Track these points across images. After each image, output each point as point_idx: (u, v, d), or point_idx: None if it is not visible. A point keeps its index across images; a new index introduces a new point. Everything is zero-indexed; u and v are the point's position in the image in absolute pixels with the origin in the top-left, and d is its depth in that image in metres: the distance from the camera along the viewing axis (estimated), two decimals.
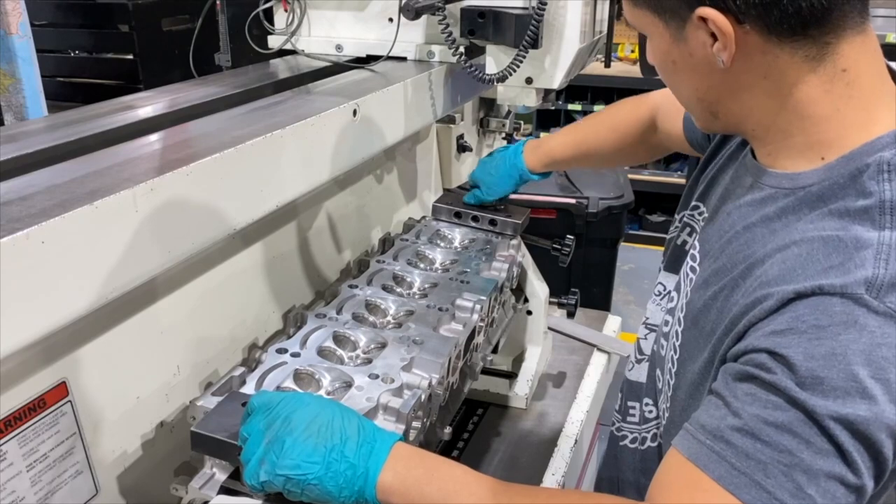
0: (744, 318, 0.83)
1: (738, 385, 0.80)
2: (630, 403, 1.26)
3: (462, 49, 1.52)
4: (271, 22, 1.80)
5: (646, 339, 1.25)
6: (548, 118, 5.93)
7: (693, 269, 1.05)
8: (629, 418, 1.27)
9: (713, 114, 0.95)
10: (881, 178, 0.82)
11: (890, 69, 0.90)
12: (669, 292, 1.17)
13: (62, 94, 3.54)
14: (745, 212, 0.94)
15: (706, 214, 1.08)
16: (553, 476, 1.66)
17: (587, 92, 5.67)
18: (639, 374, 1.26)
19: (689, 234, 1.13)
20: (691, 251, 1.08)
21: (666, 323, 1.11)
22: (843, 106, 0.85)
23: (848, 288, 0.76)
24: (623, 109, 1.58)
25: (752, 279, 0.86)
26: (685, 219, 1.15)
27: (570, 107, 5.78)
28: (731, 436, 0.78)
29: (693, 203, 1.14)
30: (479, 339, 1.44)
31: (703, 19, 0.83)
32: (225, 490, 0.98)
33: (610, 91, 5.65)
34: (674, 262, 1.17)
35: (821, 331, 0.76)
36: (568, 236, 1.85)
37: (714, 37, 0.85)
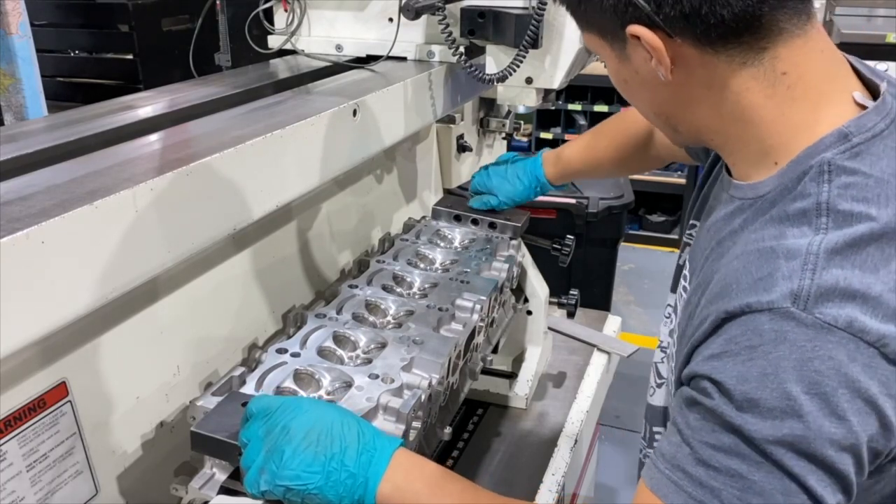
0: (691, 339, 0.83)
1: (688, 412, 0.80)
2: (655, 429, 1.25)
3: (462, 49, 1.52)
4: (271, 22, 1.80)
5: (662, 362, 1.23)
6: (548, 118, 5.93)
7: (685, 289, 1.05)
8: (655, 444, 1.24)
9: (673, 127, 0.97)
10: (821, 180, 0.80)
11: (854, 67, 0.90)
12: (671, 314, 1.18)
13: (62, 94, 3.54)
14: (719, 227, 0.93)
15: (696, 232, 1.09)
16: (553, 476, 1.66)
17: (587, 92, 5.67)
18: (659, 398, 1.24)
19: (687, 253, 1.12)
20: (684, 270, 1.08)
21: (669, 345, 1.11)
22: (787, 109, 0.84)
23: (774, 303, 0.75)
24: (627, 119, 1.58)
25: (704, 297, 0.85)
26: (686, 238, 1.15)
27: (570, 107, 5.78)
28: (687, 464, 0.78)
29: (690, 221, 1.13)
30: (479, 339, 1.44)
31: (636, 37, 0.84)
32: (225, 490, 0.98)
33: (610, 91, 5.65)
34: (675, 282, 1.18)
35: (752, 351, 0.75)
36: (568, 236, 1.85)
37: (648, 51, 0.85)
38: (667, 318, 1.22)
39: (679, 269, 1.16)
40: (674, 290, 1.18)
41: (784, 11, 0.82)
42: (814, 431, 0.73)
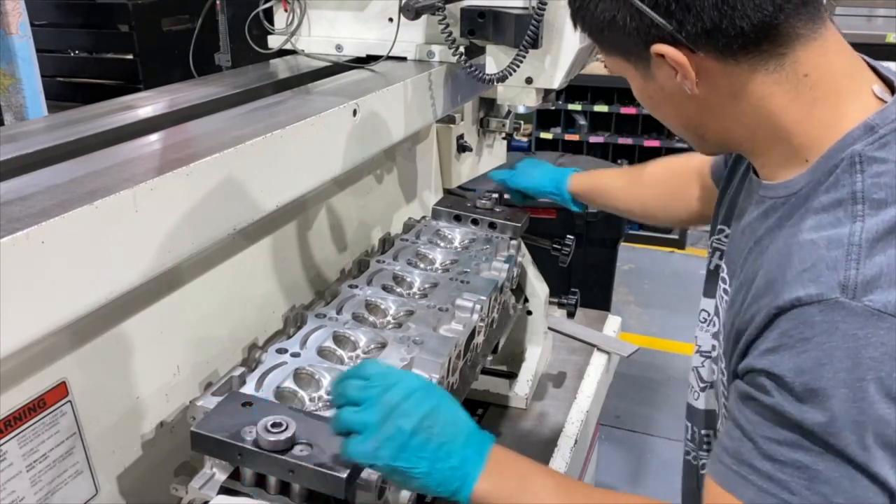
0: (744, 335, 0.86)
1: (745, 408, 0.83)
2: (704, 432, 1.25)
3: (462, 49, 1.52)
4: (271, 22, 1.80)
5: (703, 366, 1.24)
6: (548, 118, 5.93)
7: (725, 291, 1.06)
8: (705, 446, 1.25)
9: (701, 137, 1.00)
10: (854, 171, 0.84)
11: (870, 65, 0.93)
12: (711, 317, 1.19)
13: (62, 94, 3.54)
14: (754, 227, 0.96)
15: (729, 235, 1.12)
16: None
17: (587, 92, 5.67)
18: (703, 401, 1.24)
19: (720, 258, 1.15)
20: (722, 274, 1.10)
21: (713, 348, 1.14)
22: (812, 108, 0.88)
23: (823, 295, 0.78)
24: (674, 165, 1.59)
25: (749, 295, 0.88)
26: (714, 244, 1.18)
27: (570, 107, 5.79)
28: (752, 459, 0.80)
29: (718, 227, 1.17)
30: (479, 339, 1.44)
31: (661, 55, 0.88)
32: (225, 490, 0.98)
33: (610, 91, 5.66)
34: (710, 287, 1.19)
35: (806, 343, 0.77)
36: (568, 236, 1.85)
37: (674, 68, 0.89)
38: (703, 322, 1.23)
39: (712, 273, 1.18)
40: (709, 294, 1.19)
41: (799, 18, 0.86)
42: (871, 417, 0.75)
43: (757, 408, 0.81)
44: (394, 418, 0.90)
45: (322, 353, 1.20)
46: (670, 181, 1.57)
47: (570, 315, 1.97)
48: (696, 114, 0.95)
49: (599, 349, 2.16)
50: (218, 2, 3.11)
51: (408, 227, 1.71)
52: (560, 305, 1.97)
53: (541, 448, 1.75)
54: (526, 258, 1.86)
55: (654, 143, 5.77)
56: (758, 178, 0.98)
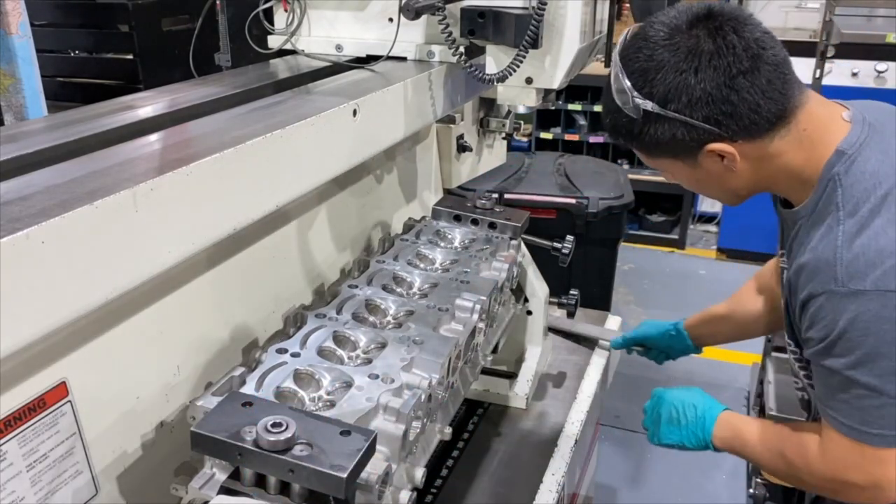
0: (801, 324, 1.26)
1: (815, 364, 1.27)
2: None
3: (462, 49, 1.52)
4: (271, 22, 1.80)
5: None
6: (548, 118, 5.93)
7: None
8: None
9: (736, 196, 1.35)
10: (835, 188, 1.19)
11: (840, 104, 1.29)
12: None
13: (62, 94, 3.53)
14: (793, 247, 1.30)
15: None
16: (553, 476, 1.66)
17: (587, 92, 5.66)
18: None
19: (785, 275, 1.41)
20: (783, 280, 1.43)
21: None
22: (810, 152, 1.22)
23: (825, 287, 1.17)
24: (761, 275, 1.83)
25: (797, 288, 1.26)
26: (781, 264, 1.45)
27: (570, 107, 5.78)
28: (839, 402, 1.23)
29: (780, 251, 1.47)
30: (479, 339, 1.44)
31: (711, 150, 1.22)
32: (225, 490, 0.98)
33: None
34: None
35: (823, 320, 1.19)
36: (568, 236, 1.85)
37: (721, 156, 1.23)
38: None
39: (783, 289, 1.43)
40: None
41: (795, 95, 1.21)
42: (874, 357, 1.15)
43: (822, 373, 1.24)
44: (657, 419, 1.59)
45: (322, 353, 1.20)
46: (765, 294, 1.79)
47: (570, 315, 1.97)
48: (735, 182, 1.28)
49: (600, 346, 2.16)
50: (218, 2, 3.11)
51: (408, 227, 1.71)
52: (560, 305, 1.97)
53: (541, 448, 1.75)
54: (526, 258, 1.86)
55: None
56: (787, 210, 1.31)
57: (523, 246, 1.82)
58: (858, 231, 1.14)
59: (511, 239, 1.69)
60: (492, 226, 1.71)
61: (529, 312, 1.92)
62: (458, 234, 1.70)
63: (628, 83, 1.21)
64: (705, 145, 1.21)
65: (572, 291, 1.97)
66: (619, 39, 1.27)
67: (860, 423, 1.20)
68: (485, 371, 1.58)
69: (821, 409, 1.27)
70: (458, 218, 1.73)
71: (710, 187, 1.33)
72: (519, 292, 1.88)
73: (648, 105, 1.20)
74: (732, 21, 1.17)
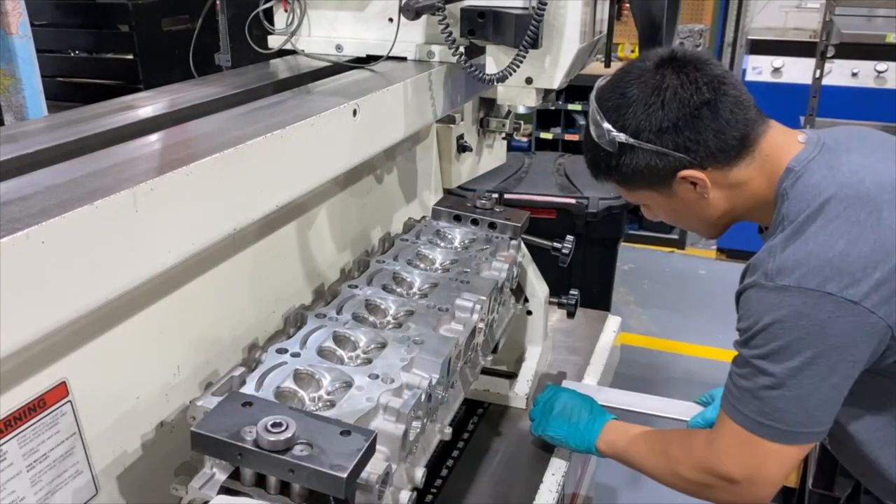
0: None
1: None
2: None
3: (462, 49, 1.52)
4: (271, 22, 1.80)
5: None
6: (548, 118, 5.93)
7: None
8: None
9: (713, 226, 1.44)
10: (783, 201, 1.29)
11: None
12: None
13: (62, 94, 3.54)
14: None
15: None
16: (553, 476, 1.66)
17: (587, 92, 5.62)
18: None
19: None
20: None
21: None
22: (772, 176, 1.32)
23: (755, 282, 1.25)
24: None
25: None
26: None
27: (570, 107, 5.78)
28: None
29: None
30: (479, 339, 1.44)
31: (683, 177, 1.32)
32: (225, 490, 0.98)
33: None
34: None
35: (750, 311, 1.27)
36: (568, 236, 1.85)
37: (693, 183, 1.32)
38: None
39: None
40: None
41: (758, 123, 1.32)
42: (786, 351, 1.22)
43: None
44: (544, 411, 1.68)
45: (322, 353, 1.20)
46: None
47: (570, 315, 1.97)
48: (710, 211, 1.38)
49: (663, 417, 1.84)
50: (218, 2, 3.11)
51: (408, 227, 1.71)
52: (560, 305, 1.97)
53: (541, 448, 1.75)
54: (526, 258, 1.86)
55: None
56: (762, 235, 1.38)
57: (523, 246, 1.82)
58: (793, 235, 1.23)
59: (511, 239, 1.69)
60: (492, 226, 1.71)
61: (529, 312, 1.92)
62: (458, 234, 1.70)
63: (603, 121, 1.33)
64: (678, 172, 1.31)
65: (572, 291, 1.97)
66: (596, 83, 1.41)
67: (756, 412, 1.26)
68: (485, 371, 1.58)
69: (724, 397, 1.32)
70: (458, 218, 1.73)
71: (687, 217, 1.43)
72: (519, 292, 1.88)
73: (622, 137, 1.31)
74: (694, 61, 1.31)
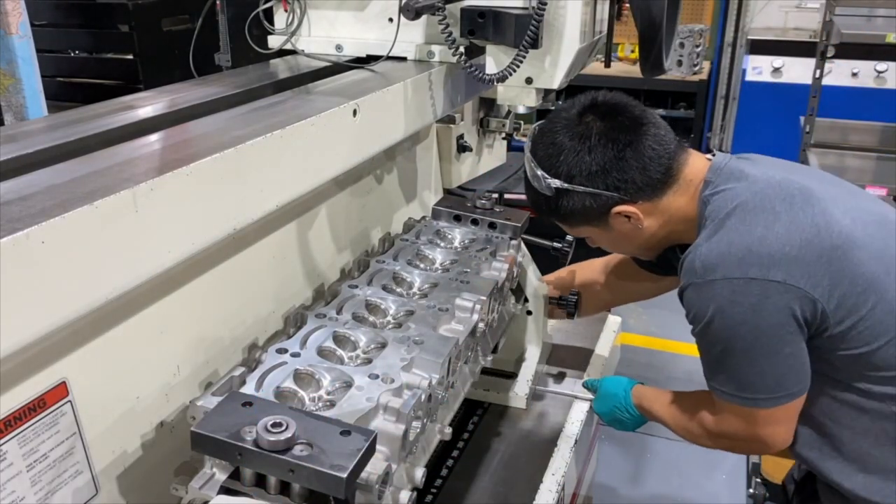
0: None
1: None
2: None
3: (462, 49, 1.52)
4: (271, 22, 1.80)
5: None
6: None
7: None
8: None
9: (649, 250, 1.59)
10: (704, 208, 1.43)
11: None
12: None
13: (62, 94, 3.54)
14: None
15: None
16: (553, 476, 1.66)
17: (587, 92, 5.65)
18: None
19: None
20: None
21: None
22: (694, 194, 1.46)
23: (689, 280, 1.38)
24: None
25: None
26: None
27: None
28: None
29: None
30: (479, 339, 1.44)
31: (618, 213, 1.45)
32: (225, 490, 0.98)
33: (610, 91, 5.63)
34: None
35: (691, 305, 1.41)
36: (567, 236, 1.85)
37: (627, 217, 1.46)
38: None
39: None
40: None
41: (680, 154, 1.46)
42: (734, 336, 1.35)
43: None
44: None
45: (322, 353, 1.20)
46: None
47: (570, 315, 1.97)
48: (645, 237, 1.51)
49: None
50: (218, 2, 3.11)
51: (408, 227, 1.71)
52: (560, 305, 1.97)
53: (541, 448, 1.75)
54: (526, 258, 1.86)
55: None
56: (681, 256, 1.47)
57: (523, 245, 1.81)
58: (715, 231, 1.37)
59: (511, 239, 1.69)
60: (492, 226, 1.71)
61: (529, 312, 1.92)
62: (458, 234, 1.70)
63: (538, 169, 1.46)
64: (611, 209, 1.44)
65: (572, 291, 1.97)
66: (528, 133, 1.55)
67: (735, 389, 1.40)
68: (485, 371, 1.58)
69: (706, 379, 1.47)
70: (458, 218, 1.73)
71: (626, 246, 1.58)
72: (519, 292, 1.88)
73: (557, 183, 1.44)
74: (614, 105, 1.45)
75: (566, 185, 1.44)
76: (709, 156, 1.50)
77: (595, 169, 1.42)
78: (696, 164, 1.47)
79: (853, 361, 1.36)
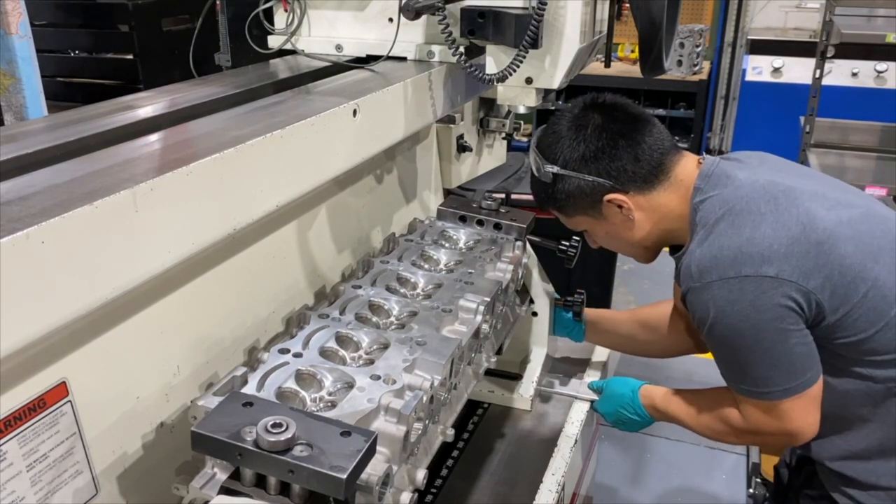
0: None
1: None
2: None
3: (462, 49, 1.51)
4: (271, 22, 1.80)
5: None
6: (548, 118, 5.92)
7: None
8: None
9: (645, 248, 1.61)
10: (695, 213, 1.47)
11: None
12: None
13: (62, 94, 3.54)
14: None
15: None
16: (553, 476, 1.66)
17: (587, 92, 5.65)
18: None
19: None
20: None
21: None
22: (686, 197, 1.51)
23: (689, 286, 1.42)
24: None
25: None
26: None
27: None
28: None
29: None
30: (483, 340, 1.44)
31: (609, 201, 1.50)
32: (225, 490, 0.98)
33: (609, 91, 5.64)
34: None
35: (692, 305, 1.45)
36: (574, 237, 1.84)
37: (619, 206, 1.50)
38: None
39: None
40: None
41: (672, 152, 1.52)
42: (739, 333, 1.39)
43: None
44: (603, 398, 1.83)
45: (324, 353, 1.20)
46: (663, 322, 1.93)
47: (577, 315, 1.96)
48: (638, 233, 1.55)
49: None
50: (218, 2, 3.11)
51: (413, 227, 1.71)
52: (566, 305, 1.96)
53: (541, 448, 1.75)
54: (531, 259, 1.85)
55: None
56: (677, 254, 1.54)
57: (528, 247, 1.81)
58: (707, 236, 1.42)
59: (516, 240, 1.69)
60: (497, 227, 1.71)
61: (535, 314, 1.92)
62: (462, 235, 1.69)
63: (539, 156, 1.55)
64: (604, 196, 1.50)
65: (579, 291, 1.96)
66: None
67: (752, 384, 1.43)
68: (489, 372, 1.58)
69: (725, 378, 1.50)
70: (463, 219, 1.72)
71: (619, 240, 1.60)
72: (524, 293, 1.88)
73: (554, 168, 1.52)
74: (614, 103, 1.55)
75: (562, 170, 1.51)
76: (700, 158, 1.55)
77: (588, 155, 1.49)
78: (688, 165, 1.52)
79: (853, 348, 1.40)
